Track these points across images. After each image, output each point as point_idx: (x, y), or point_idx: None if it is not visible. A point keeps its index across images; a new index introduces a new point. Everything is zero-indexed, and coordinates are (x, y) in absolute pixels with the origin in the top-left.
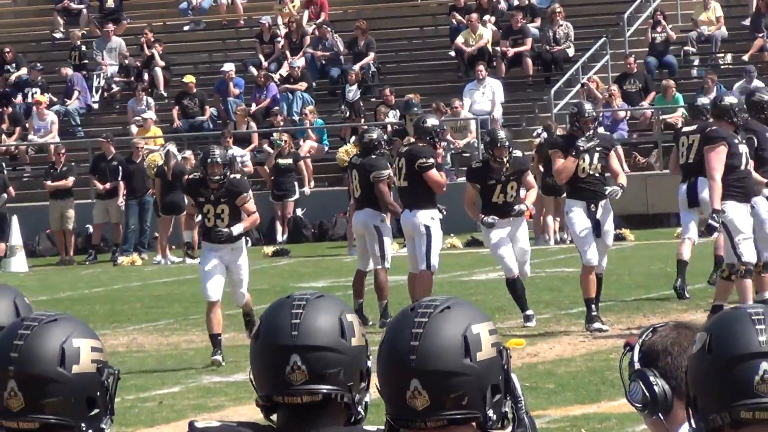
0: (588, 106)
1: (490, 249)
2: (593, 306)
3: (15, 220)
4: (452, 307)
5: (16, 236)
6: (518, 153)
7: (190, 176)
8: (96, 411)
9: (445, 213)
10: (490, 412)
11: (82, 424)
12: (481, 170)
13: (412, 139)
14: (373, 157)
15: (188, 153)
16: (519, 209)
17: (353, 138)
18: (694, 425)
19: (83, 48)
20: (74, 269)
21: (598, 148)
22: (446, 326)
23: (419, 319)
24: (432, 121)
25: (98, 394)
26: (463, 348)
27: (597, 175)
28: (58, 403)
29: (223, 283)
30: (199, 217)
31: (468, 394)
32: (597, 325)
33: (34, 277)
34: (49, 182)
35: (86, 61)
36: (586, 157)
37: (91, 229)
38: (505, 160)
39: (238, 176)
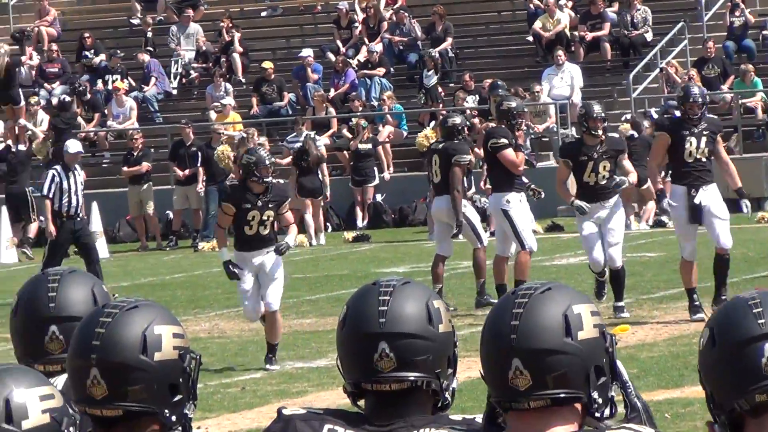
0: (696, 90)
1: (580, 236)
2: (695, 296)
3: (95, 207)
4: (553, 289)
5: (96, 222)
6: (615, 135)
7: (231, 183)
8: (179, 397)
9: (541, 195)
10: (595, 394)
11: (166, 411)
12: (574, 145)
13: (492, 123)
14: (456, 141)
15: (263, 140)
16: (619, 180)
17: (432, 123)
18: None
19: (155, 35)
20: (155, 255)
21: (705, 132)
22: (547, 306)
23: (520, 300)
24: (509, 103)
25: (181, 380)
26: (564, 327)
27: (703, 159)
28: (141, 391)
29: (258, 296)
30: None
31: (570, 373)
32: (700, 315)
33: (115, 264)
34: (125, 168)
35: (162, 47)
36: (693, 140)
37: (171, 215)
38: (600, 132)
39: (281, 181)
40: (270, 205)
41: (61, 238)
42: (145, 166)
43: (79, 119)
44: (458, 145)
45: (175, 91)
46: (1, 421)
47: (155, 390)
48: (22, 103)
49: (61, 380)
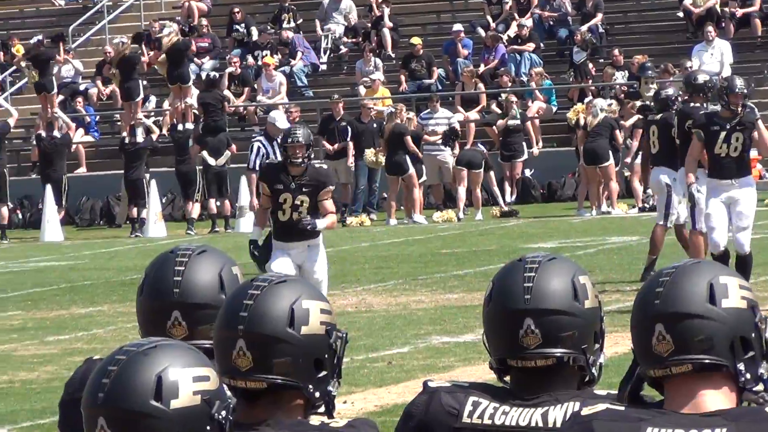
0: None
1: (704, 212)
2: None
3: (243, 180)
4: (702, 263)
5: (244, 197)
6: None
7: (268, 161)
8: (323, 373)
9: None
10: (741, 366)
11: (310, 386)
12: (708, 116)
13: (649, 103)
14: (672, 111)
15: (411, 114)
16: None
17: (587, 99)
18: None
19: (301, 9)
20: None
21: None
22: (692, 275)
23: (667, 270)
24: (703, 77)
25: (326, 356)
26: (708, 294)
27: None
28: (286, 364)
29: None
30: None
31: (713, 340)
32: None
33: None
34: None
35: (309, 22)
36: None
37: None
38: (738, 109)
39: (324, 165)
40: (304, 190)
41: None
42: None
43: (228, 93)
44: (689, 110)
45: (324, 66)
46: (150, 398)
47: (300, 364)
48: (190, 82)
49: None
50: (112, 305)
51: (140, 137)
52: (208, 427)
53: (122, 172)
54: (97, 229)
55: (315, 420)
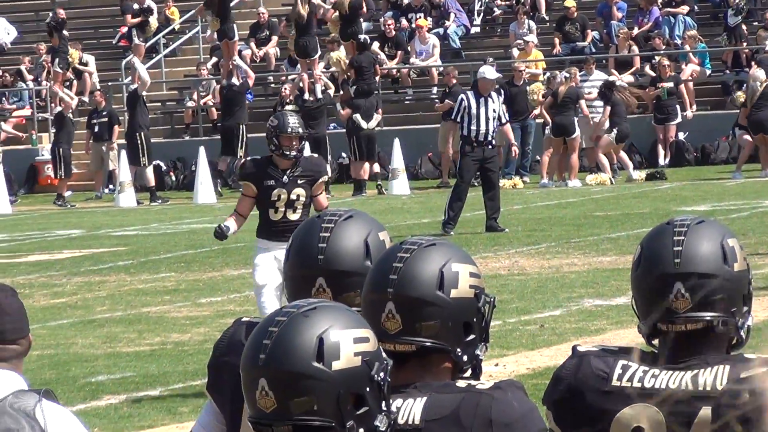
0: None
1: None
2: None
3: (396, 143)
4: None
5: (398, 159)
6: None
7: (249, 159)
8: (472, 337)
9: None
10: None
11: (458, 350)
12: None
13: None
14: None
15: (562, 77)
16: None
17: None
18: None
19: None
20: None
21: None
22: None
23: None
24: None
25: (474, 319)
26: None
27: None
28: (435, 327)
29: (279, 300)
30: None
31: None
32: None
33: (416, 200)
34: (438, 104)
35: None
36: None
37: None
38: None
39: (314, 154)
40: (299, 182)
41: (467, 163)
42: (447, 104)
43: (382, 56)
44: None
45: (477, 29)
46: (312, 359)
47: (449, 327)
48: (235, 37)
49: None
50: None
51: (319, 94)
52: (368, 389)
53: None
54: None
55: (461, 382)
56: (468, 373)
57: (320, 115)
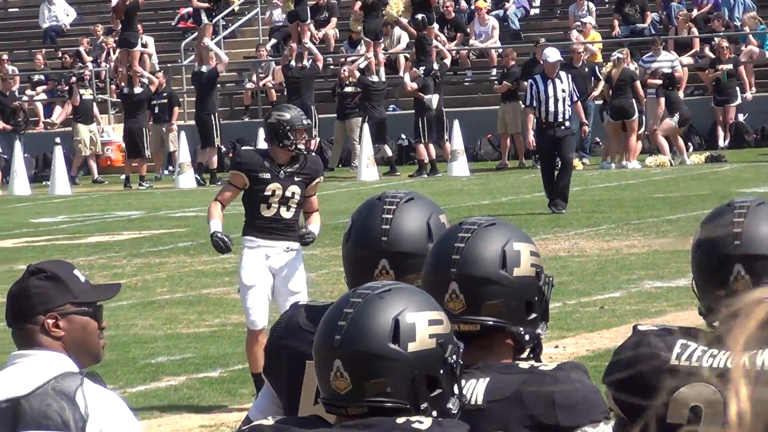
0: None
1: None
2: None
3: (456, 125)
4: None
5: (457, 141)
6: None
7: (243, 148)
8: (533, 315)
9: None
10: (522, 329)
11: (520, 329)
12: None
13: None
14: None
15: (615, 59)
16: None
17: None
18: None
19: None
20: (515, 174)
21: None
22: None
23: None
24: None
25: (536, 298)
26: None
27: None
28: (498, 306)
29: (269, 301)
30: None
31: None
32: None
33: (476, 182)
34: (497, 85)
35: None
36: None
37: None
38: None
39: (314, 155)
40: (296, 179)
41: (542, 145)
42: (505, 86)
43: (442, 38)
44: None
45: (537, 10)
46: (388, 341)
47: (512, 306)
48: (308, 19)
49: None
50: (325, 249)
51: (383, 77)
52: (441, 371)
53: (335, 116)
54: None
55: (524, 363)
56: (525, 354)
57: (381, 97)
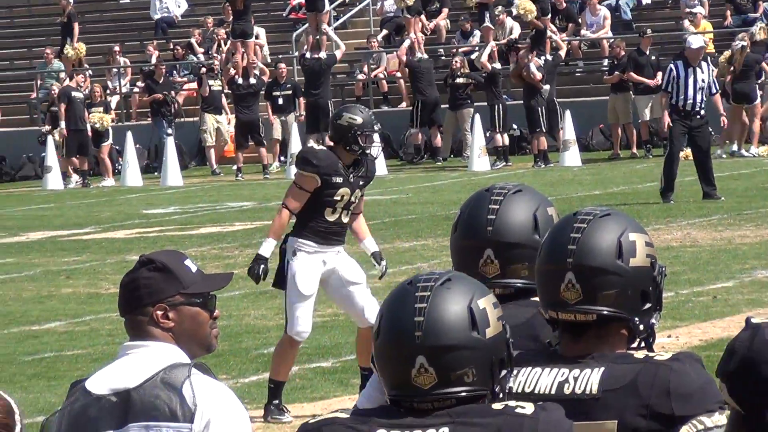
0: None
1: None
2: None
3: (567, 115)
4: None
5: (569, 131)
6: None
7: (314, 147)
8: (648, 305)
9: None
10: (636, 319)
11: (635, 318)
12: None
13: None
14: None
15: (739, 45)
16: None
17: None
18: None
19: None
20: (627, 164)
21: None
22: None
23: None
24: None
25: (650, 288)
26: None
27: None
28: (614, 296)
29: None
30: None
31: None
32: None
33: (587, 172)
34: (607, 76)
35: None
36: None
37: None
38: None
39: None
40: (360, 183)
41: (675, 133)
42: (616, 76)
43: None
44: None
45: (649, 0)
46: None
47: (627, 296)
48: (422, 14)
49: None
50: (437, 239)
51: (497, 65)
52: (505, 353)
53: (446, 106)
54: (421, 164)
55: (639, 353)
56: (636, 343)
57: (497, 86)
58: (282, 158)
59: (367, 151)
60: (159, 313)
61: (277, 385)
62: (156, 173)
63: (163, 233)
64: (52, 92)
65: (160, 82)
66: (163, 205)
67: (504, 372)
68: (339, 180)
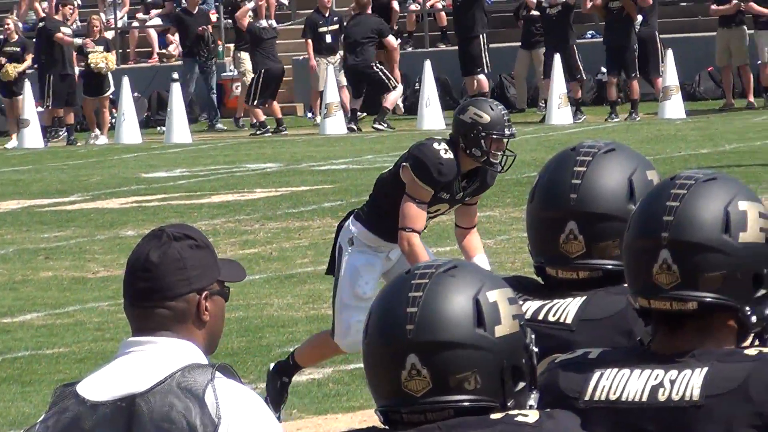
0: None
1: None
2: None
3: (669, 55)
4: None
5: (671, 75)
6: None
7: (443, 149)
8: (762, 292)
9: None
10: (747, 308)
11: (746, 308)
12: None
13: None
14: None
15: None
16: None
17: None
18: None
19: None
20: (743, 116)
21: None
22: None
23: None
24: None
25: (765, 271)
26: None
27: None
28: (720, 279)
29: None
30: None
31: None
32: None
33: (693, 126)
34: (714, 6)
35: None
36: None
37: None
38: None
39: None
40: (466, 199)
41: None
42: (726, 7)
43: None
44: None
45: None
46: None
47: (737, 279)
48: None
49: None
50: (505, 209)
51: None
52: (524, 360)
53: (517, 44)
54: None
55: (751, 350)
56: (750, 339)
57: (566, 21)
58: (311, 112)
59: (492, 160)
60: (205, 303)
61: (295, 367)
62: (159, 128)
63: (166, 202)
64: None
65: (194, 12)
66: (167, 168)
67: (521, 384)
68: (445, 196)
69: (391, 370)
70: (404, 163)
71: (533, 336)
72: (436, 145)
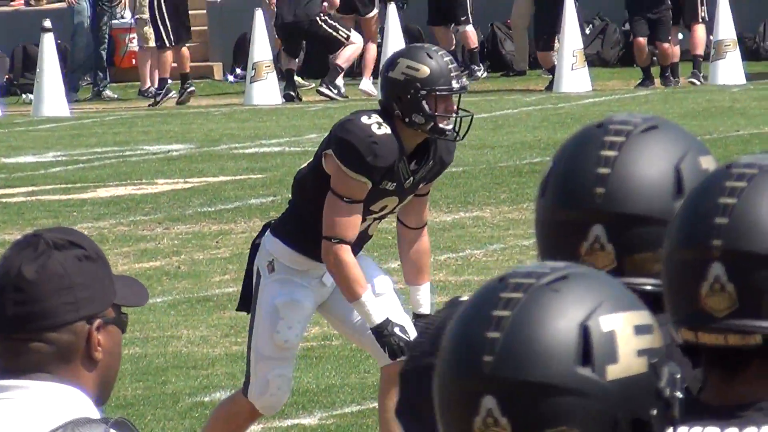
0: None
1: None
2: None
3: (723, 1)
4: None
5: (724, 27)
6: None
7: (376, 123)
8: None
9: None
10: None
11: None
12: None
13: None
14: None
15: None
16: None
17: None
18: None
19: None
20: None
21: None
22: None
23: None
24: None
25: None
26: None
27: None
28: None
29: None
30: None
31: None
32: None
33: (755, 95)
34: None
35: None
36: None
37: None
38: None
39: None
40: (420, 185)
41: None
42: None
43: None
44: None
45: None
46: (574, 363)
47: None
48: None
49: None
50: (499, 208)
51: None
52: (654, 411)
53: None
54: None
55: None
56: None
57: None
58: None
59: (441, 126)
60: (97, 335)
61: None
62: (25, 96)
63: (34, 197)
64: None
65: None
66: (36, 150)
67: None
68: (391, 187)
69: (461, 416)
70: (326, 150)
71: (678, 377)
72: (365, 119)
